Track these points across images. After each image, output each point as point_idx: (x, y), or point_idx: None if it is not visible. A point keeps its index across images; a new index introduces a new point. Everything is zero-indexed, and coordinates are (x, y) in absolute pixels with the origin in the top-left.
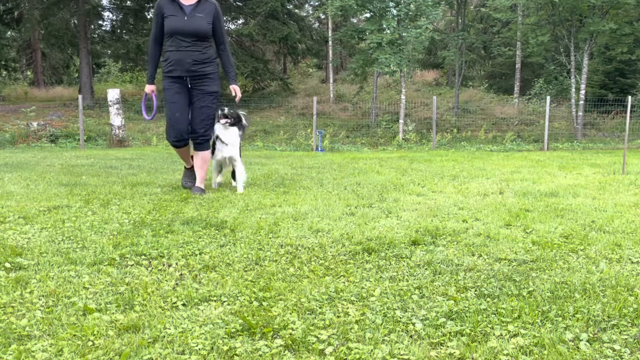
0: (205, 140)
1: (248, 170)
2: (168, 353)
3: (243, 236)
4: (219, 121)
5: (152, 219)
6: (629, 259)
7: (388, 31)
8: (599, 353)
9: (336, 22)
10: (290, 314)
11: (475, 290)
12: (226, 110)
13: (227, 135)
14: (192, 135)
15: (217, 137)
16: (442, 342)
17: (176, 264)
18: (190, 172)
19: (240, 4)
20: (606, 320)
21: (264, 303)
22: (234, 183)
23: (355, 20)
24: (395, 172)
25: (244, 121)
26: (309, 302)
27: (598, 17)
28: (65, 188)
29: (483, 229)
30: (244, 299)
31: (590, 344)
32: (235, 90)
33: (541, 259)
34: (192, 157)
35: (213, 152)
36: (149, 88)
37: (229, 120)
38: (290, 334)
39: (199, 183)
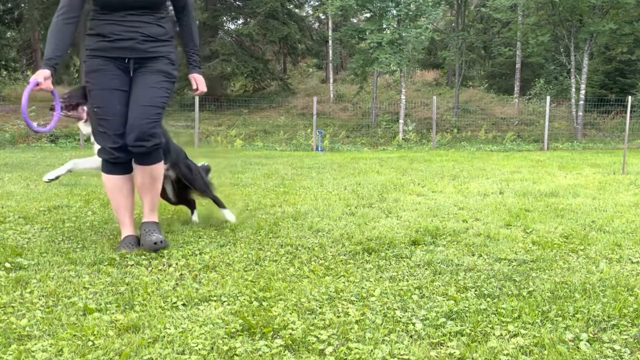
0: (154, 146)
1: (248, 170)
2: (168, 353)
3: (243, 236)
4: None
5: None
6: (629, 259)
7: (388, 31)
8: (599, 353)
9: (336, 22)
10: (290, 314)
11: (475, 290)
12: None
13: None
14: (129, 136)
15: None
16: (442, 342)
17: (176, 264)
18: (132, 239)
19: (240, 4)
20: (606, 320)
21: (264, 303)
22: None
23: (355, 20)
24: (395, 172)
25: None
26: (309, 302)
27: (598, 17)
28: (65, 188)
29: (483, 229)
30: (244, 299)
31: (590, 344)
32: (197, 80)
33: (541, 259)
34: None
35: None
36: (42, 74)
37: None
38: (290, 334)
39: (148, 216)
